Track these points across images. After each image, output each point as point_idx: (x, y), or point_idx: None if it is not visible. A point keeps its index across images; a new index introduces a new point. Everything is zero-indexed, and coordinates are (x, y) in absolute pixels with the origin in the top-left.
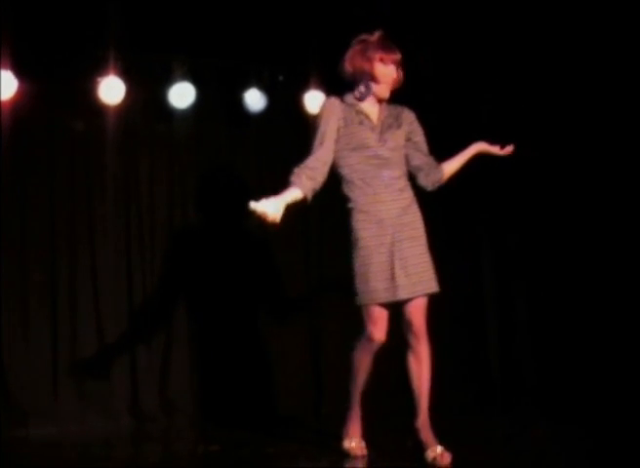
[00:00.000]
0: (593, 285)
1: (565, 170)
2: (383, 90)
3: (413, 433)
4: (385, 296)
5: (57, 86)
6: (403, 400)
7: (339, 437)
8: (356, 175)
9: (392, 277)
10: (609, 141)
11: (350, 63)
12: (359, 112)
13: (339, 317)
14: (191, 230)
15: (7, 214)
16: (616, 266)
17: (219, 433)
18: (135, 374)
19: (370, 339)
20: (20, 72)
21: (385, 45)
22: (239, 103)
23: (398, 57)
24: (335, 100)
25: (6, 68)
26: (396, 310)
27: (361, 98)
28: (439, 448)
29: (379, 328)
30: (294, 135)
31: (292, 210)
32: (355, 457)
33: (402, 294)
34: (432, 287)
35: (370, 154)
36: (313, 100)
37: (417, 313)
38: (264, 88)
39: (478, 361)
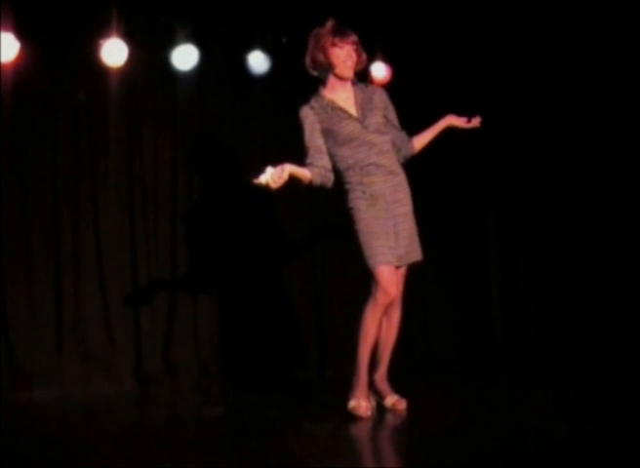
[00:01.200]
0: (597, 246)
1: (567, 138)
2: (344, 71)
3: (372, 384)
4: (389, 259)
5: (59, 48)
6: (407, 363)
7: (342, 399)
8: (349, 163)
9: (390, 245)
10: (619, 122)
11: (309, 58)
12: (336, 108)
13: (342, 280)
14: (195, 192)
15: (9, 177)
16: (621, 226)
17: (222, 396)
18: (139, 337)
19: (386, 294)
20: (21, 34)
21: (337, 30)
22: (243, 65)
23: (353, 38)
24: (307, 109)
25: (7, 30)
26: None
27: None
28: (396, 396)
29: (391, 283)
30: (297, 96)
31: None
32: (359, 418)
33: (396, 262)
34: (418, 256)
35: (358, 143)
36: None
37: (397, 282)
38: (268, 50)
39: (481, 323)
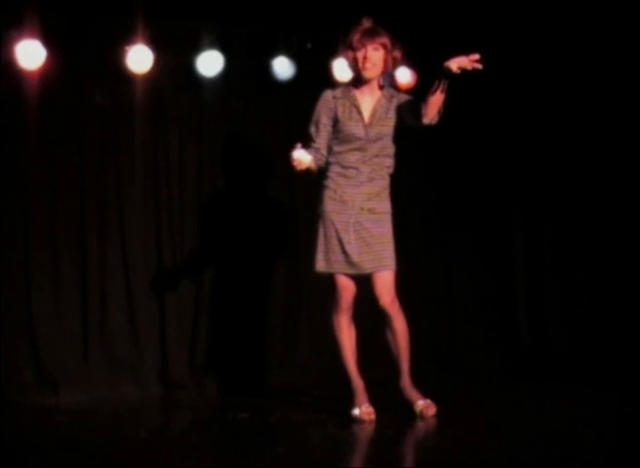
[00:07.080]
0: (625, 247)
1: (593, 140)
2: (363, 72)
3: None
4: (337, 268)
5: (85, 55)
6: (433, 368)
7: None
8: (337, 160)
9: (346, 253)
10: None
11: (344, 56)
12: (354, 105)
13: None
14: (220, 198)
15: (36, 183)
16: None
17: (248, 400)
18: (164, 342)
19: (337, 304)
20: (48, 42)
21: (367, 31)
22: (267, 71)
23: (382, 40)
24: (328, 95)
25: (34, 38)
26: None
27: (382, 87)
28: (424, 402)
29: (343, 294)
30: None
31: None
32: (362, 423)
33: (352, 270)
34: (387, 264)
35: (355, 146)
36: (342, 68)
37: (381, 289)
38: (293, 55)
39: (507, 327)
